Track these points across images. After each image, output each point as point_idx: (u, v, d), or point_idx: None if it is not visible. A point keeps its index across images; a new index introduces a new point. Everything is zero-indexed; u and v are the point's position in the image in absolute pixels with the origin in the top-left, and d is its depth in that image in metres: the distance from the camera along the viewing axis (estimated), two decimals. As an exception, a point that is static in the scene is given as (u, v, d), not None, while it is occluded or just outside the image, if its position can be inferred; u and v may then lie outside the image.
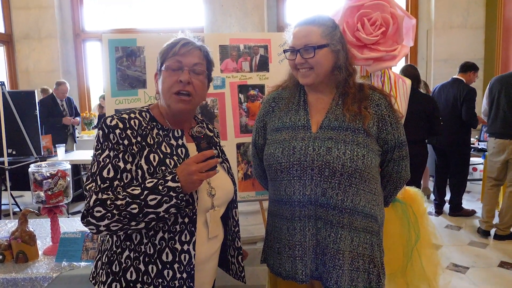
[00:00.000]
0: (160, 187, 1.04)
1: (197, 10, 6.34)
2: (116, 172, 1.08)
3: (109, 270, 1.14)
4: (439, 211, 4.38)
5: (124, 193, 1.04)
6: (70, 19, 6.67)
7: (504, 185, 3.76)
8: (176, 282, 1.12)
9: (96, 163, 1.09)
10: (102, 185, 1.05)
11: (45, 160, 4.06)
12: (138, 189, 1.05)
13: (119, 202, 1.03)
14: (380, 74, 1.74)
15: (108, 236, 1.18)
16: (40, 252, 1.67)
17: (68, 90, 5.41)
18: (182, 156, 1.18)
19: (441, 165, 4.34)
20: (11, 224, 2.04)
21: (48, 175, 1.67)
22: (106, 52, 1.96)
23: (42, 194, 1.67)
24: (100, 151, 1.10)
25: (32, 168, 1.69)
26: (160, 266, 1.11)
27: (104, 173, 1.07)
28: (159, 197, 1.04)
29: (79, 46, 6.76)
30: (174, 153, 1.16)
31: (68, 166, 1.75)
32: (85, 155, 4.57)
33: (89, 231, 1.61)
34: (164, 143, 1.16)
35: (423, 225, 1.87)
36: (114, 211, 1.02)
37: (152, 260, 1.11)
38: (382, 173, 1.39)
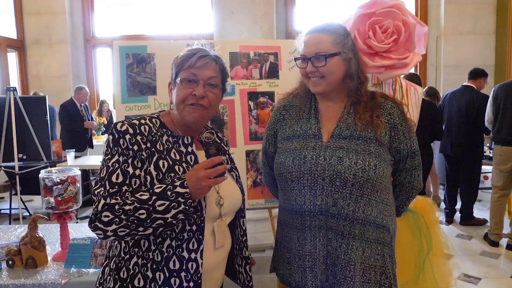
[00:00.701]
0: (169, 193, 1.04)
1: (206, 17, 6.38)
2: (125, 177, 1.07)
3: (116, 276, 1.13)
4: (449, 220, 4.31)
5: (133, 198, 1.04)
6: (81, 25, 6.75)
7: (511, 194, 3.70)
8: None
9: (105, 167, 1.09)
10: (110, 189, 1.05)
11: (55, 165, 4.08)
12: (147, 194, 1.04)
13: (127, 207, 1.02)
14: (392, 82, 1.73)
15: (116, 242, 1.18)
16: (49, 258, 1.67)
17: (89, 94, 5.46)
18: (191, 163, 1.17)
19: (452, 173, 4.29)
20: (21, 229, 2.05)
21: (58, 181, 1.68)
22: (117, 59, 1.97)
23: (52, 200, 1.68)
24: (109, 156, 1.10)
25: (42, 174, 1.70)
26: (167, 274, 1.10)
27: (113, 178, 1.06)
28: (167, 203, 1.03)
29: (89, 52, 6.84)
30: (183, 160, 1.15)
31: (78, 172, 1.75)
32: (94, 160, 4.60)
33: (96, 237, 1.62)
34: (173, 150, 1.16)
35: (435, 235, 1.84)
36: (122, 216, 1.02)
37: (160, 268, 1.10)
38: (394, 182, 1.37)
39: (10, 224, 4.30)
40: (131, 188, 1.07)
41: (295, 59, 1.34)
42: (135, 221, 1.02)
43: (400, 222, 1.76)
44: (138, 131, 1.11)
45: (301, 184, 1.25)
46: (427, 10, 6.34)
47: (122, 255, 1.14)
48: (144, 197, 1.04)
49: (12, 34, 6.50)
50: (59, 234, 1.75)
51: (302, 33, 1.35)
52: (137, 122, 1.13)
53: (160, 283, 1.10)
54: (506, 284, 2.96)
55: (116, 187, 1.06)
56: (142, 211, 1.02)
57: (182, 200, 1.03)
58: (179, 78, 1.16)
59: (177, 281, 1.11)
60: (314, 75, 1.28)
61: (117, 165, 1.08)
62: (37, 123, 3.88)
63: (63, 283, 1.48)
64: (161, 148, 1.14)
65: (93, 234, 1.95)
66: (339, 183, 1.21)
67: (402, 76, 1.76)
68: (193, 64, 1.15)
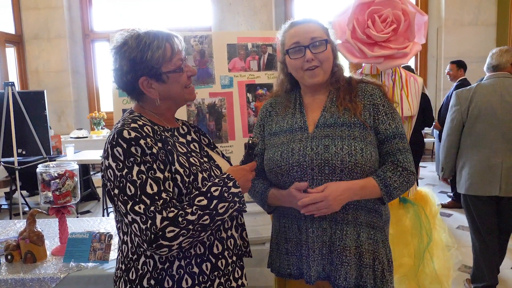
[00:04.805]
0: (226, 194, 1.06)
1: (204, 9, 6.34)
2: (159, 184, 1.01)
3: (127, 278, 1.12)
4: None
5: (195, 206, 1.02)
6: (79, 19, 6.71)
7: None
8: None
9: (128, 183, 1.00)
10: (157, 202, 0.99)
11: (54, 160, 4.08)
12: (202, 198, 1.03)
13: (191, 217, 1.00)
14: (391, 72, 1.71)
15: (123, 245, 1.15)
16: (48, 253, 1.66)
17: None
18: (198, 151, 1.19)
19: None
20: (20, 224, 2.05)
21: (56, 175, 1.67)
22: (114, 52, 1.94)
23: (50, 194, 1.67)
24: (126, 170, 1.01)
25: (40, 168, 1.69)
26: (213, 260, 1.13)
27: (148, 190, 0.99)
28: (226, 204, 1.06)
29: (88, 46, 6.80)
30: (189, 149, 1.17)
31: (75, 166, 1.74)
32: (93, 155, 4.59)
33: (95, 231, 1.61)
34: (176, 143, 1.14)
35: (435, 226, 1.84)
36: (189, 227, 0.99)
37: (205, 258, 1.12)
38: (387, 165, 1.26)
39: (10, 219, 4.30)
40: (170, 194, 1.03)
41: (287, 51, 1.28)
42: (199, 229, 1.02)
43: (400, 213, 1.76)
44: (144, 134, 1.05)
45: (291, 177, 1.25)
46: (427, 1, 6.29)
47: (130, 255, 1.11)
48: (204, 203, 1.03)
49: (10, 29, 6.47)
50: (58, 228, 1.74)
51: (283, 29, 1.33)
52: (137, 125, 1.07)
53: (208, 272, 1.11)
54: (506, 275, 2.96)
55: (157, 197, 0.99)
56: (206, 217, 1.02)
57: (237, 199, 1.08)
58: (170, 69, 1.13)
59: (224, 262, 1.14)
60: (311, 64, 1.25)
61: (143, 176, 1.01)
62: (36, 118, 3.86)
63: (62, 277, 1.48)
64: (172, 145, 1.11)
65: (92, 228, 1.95)
66: (328, 170, 1.20)
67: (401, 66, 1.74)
68: (176, 51, 1.14)
